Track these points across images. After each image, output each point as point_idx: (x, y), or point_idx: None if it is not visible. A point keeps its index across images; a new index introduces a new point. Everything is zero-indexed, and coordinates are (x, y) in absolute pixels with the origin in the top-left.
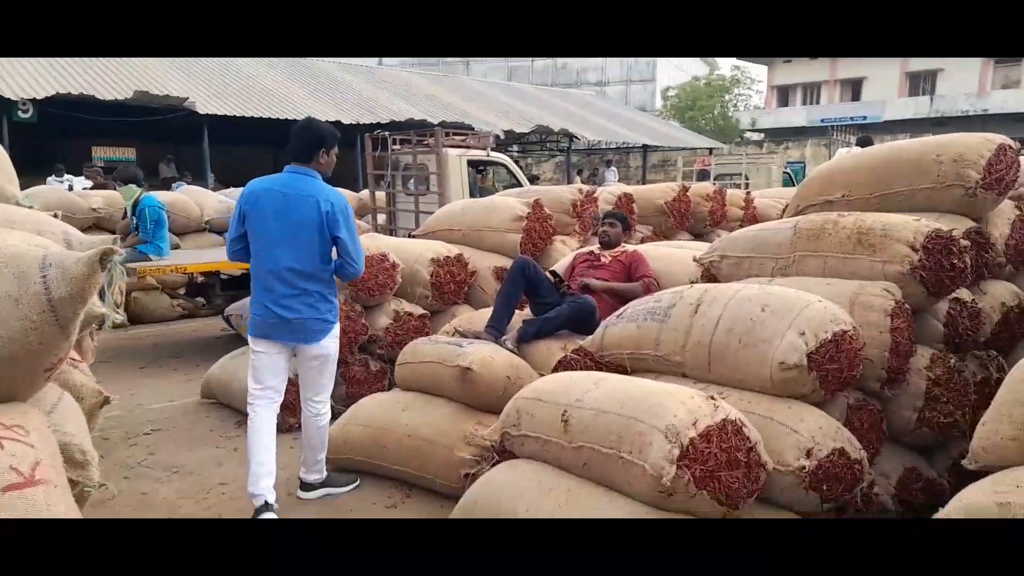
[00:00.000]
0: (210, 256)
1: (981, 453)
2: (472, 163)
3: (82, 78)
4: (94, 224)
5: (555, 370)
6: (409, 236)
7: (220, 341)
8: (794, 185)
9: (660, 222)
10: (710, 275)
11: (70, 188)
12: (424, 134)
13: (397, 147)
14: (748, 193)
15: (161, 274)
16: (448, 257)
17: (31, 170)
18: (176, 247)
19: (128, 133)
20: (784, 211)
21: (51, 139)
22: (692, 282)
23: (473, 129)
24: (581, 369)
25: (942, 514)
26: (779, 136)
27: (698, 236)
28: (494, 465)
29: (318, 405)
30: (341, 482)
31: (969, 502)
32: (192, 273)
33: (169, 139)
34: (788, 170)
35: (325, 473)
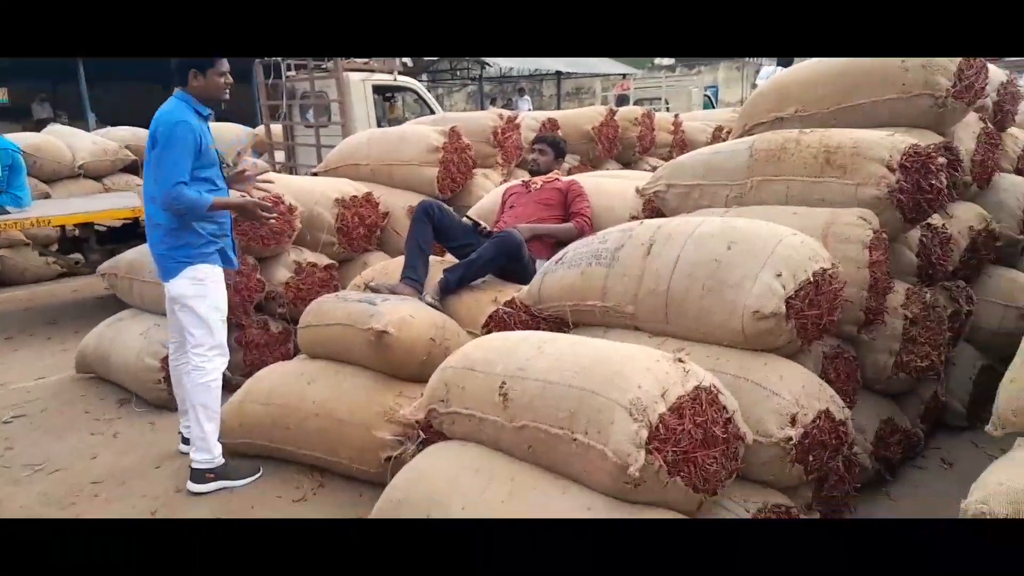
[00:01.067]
0: (83, 205)
1: (1011, 417)
2: (378, 89)
3: None
4: None
5: (487, 328)
6: (310, 175)
7: (103, 303)
8: (714, 108)
9: (587, 150)
10: (654, 208)
11: None
12: (320, 58)
13: (292, 73)
14: (676, 116)
15: (19, 228)
16: (355, 197)
17: None
18: (46, 196)
19: None
20: (715, 137)
21: None
22: (633, 219)
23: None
24: (516, 326)
25: (972, 508)
26: (691, 61)
27: (626, 165)
28: (420, 447)
29: (192, 357)
30: (239, 473)
31: (1014, 488)
32: (64, 226)
33: (46, 77)
34: (708, 93)
35: (218, 460)
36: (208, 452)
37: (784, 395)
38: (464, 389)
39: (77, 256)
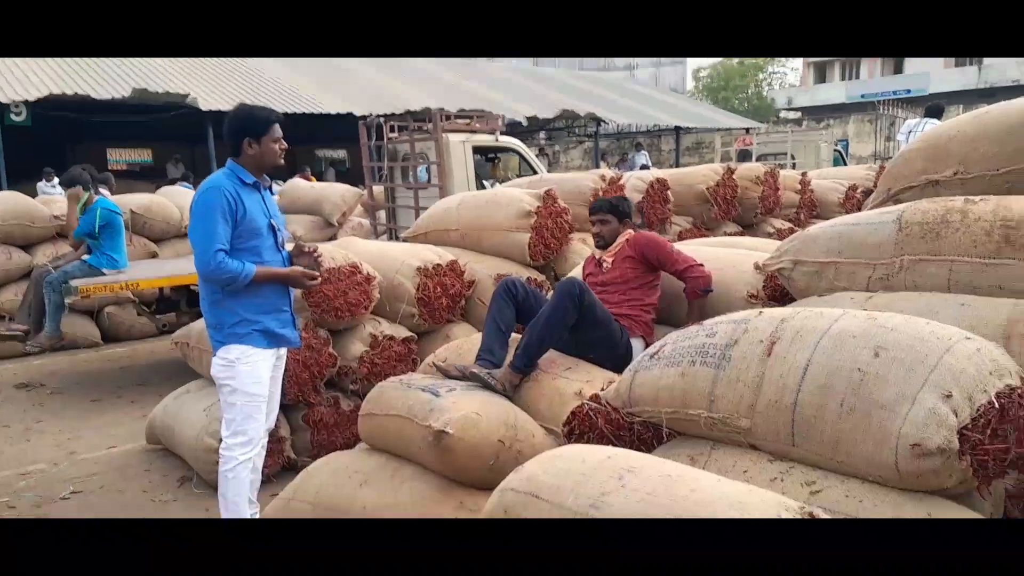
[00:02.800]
0: (174, 268)
1: None
2: (478, 150)
3: (77, 78)
4: (58, 233)
5: (568, 428)
6: (399, 239)
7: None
8: (845, 164)
9: (701, 211)
10: (777, 287)
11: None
12: (422, 119)
13: (394, 135)
14: (804, 174)
15: (108, 292)
16: (438, 265)
17: (32, 176)
18: (153, 255)
19: (144, 135)
20: (848, 197)
21: (57, 143)
22: (751, 298)
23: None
24: (605, 426)
25: None
26: (817, 114)
27: (747, 227)
28: None
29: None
30: None
31: None
32: (162, 288)
33: (182, 138)
34: (839, 147)
35: None
36: None
37: None
38: None
39: (169, 317)
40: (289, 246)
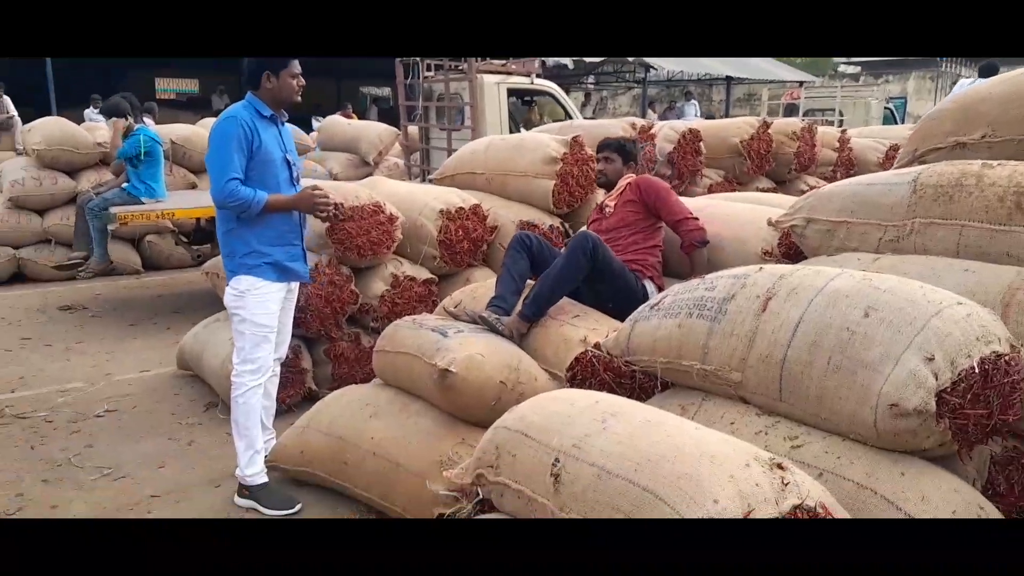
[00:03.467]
0: (206, 199)
1: None
2: (514, 92)
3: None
4: (101, 160)
5: (571, 373)
6: (428, 182)
7: None
8: (896, 123)
9: (734, 165)
10: (790, 245)
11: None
12: (459, 58)
13: (430, 74)
14: (843, 131)
15: (145, 220)
16: (461, 208)
17: (82, 102)
18: (192, 186)
19: (191, 65)
20: (888, 158)
21: (105, 69)
22: (765, 255)
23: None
24: (606, 373)
25: None
26: (878, 69)
27: (781, 183)
28: (477, 509)
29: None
30: (271, 501)
31: None
32: (199, 218)
33: (228, 70)
34: (890, 105)
35: (251, 478)
36: (242, 468)
37: None
38: (516, 458)
39: (204, 248)
40: (313, 182)
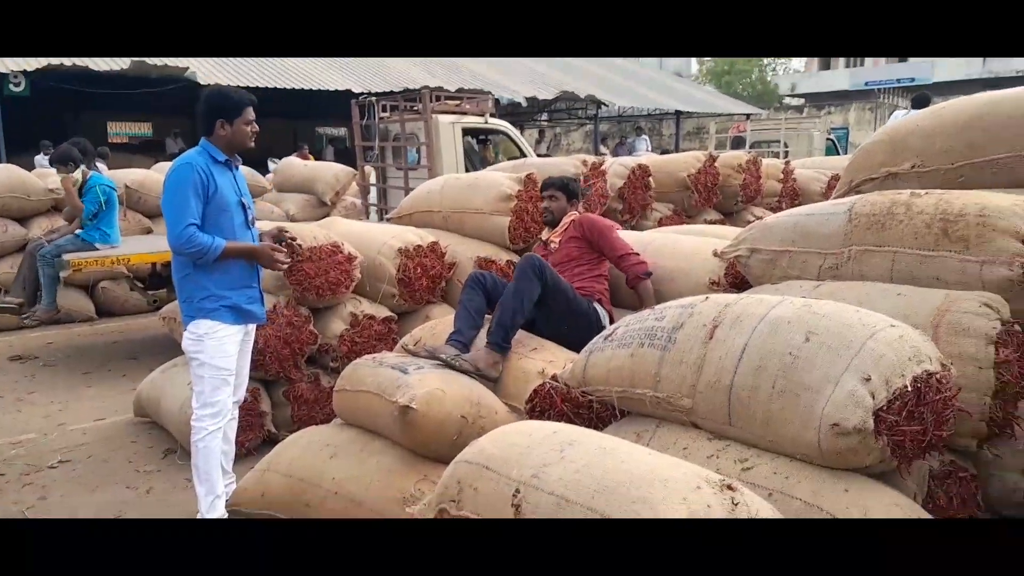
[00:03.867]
0: (166, 244)
1: None
2: (468, 131)
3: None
4: (53, 206)
5: (531, 405)
6: (385, 220)
7: None
8: (838, 153)
9: (683, 198)
10: (736, 275)
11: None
12: (414, 98)
13: (386, 114)
14: (787, 163)
15: (99, 266)
16: (419, 246)
17: (32, 147)
18: (148, 231)
19: (144, 108)
20: (830, 187)
21: (56, 114)
22: (712, 285)
23: (492, 95)
24: (563, 404)
25: None
26: (821, 101)
27: (728, 215)
28: None
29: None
30: None
31: None
32: (154, 263)
33: (181, 112)
34: (832, 136)
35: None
36: (203, 513)
37: None
38: (477, 491)
39: (160, 292)
40: (270, 226)
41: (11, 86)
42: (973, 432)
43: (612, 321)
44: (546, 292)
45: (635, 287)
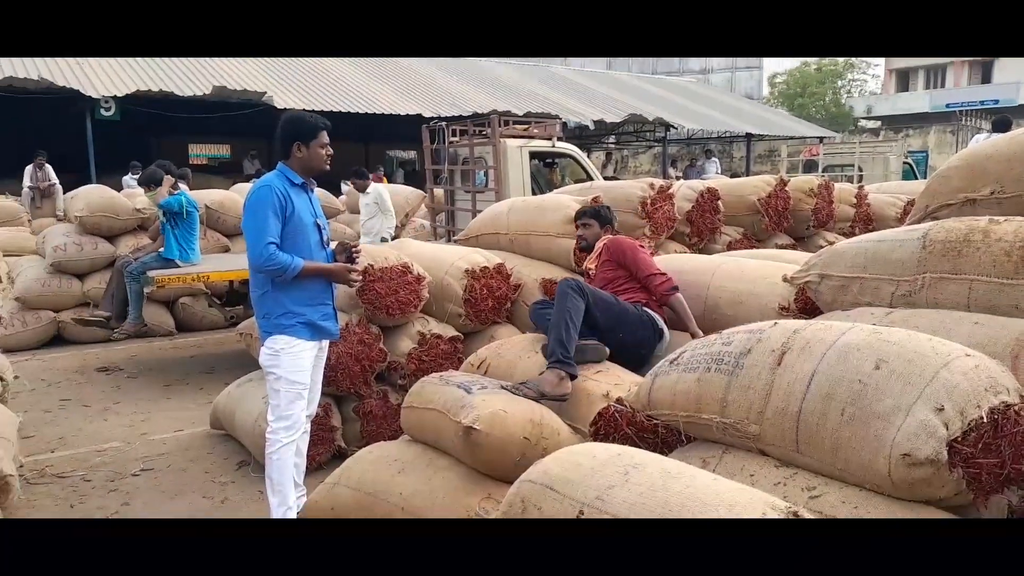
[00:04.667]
0: (243, 262)
1: None
2: (536, 155)
3: (163, 74)
4: (139, 225)
5: (594, 431)
6: (453, 241)
7: None
8: (916, 178)
9: (752, 222)
10: (806, 300)
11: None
12: (482, 123)
13: (455, 139)
14: (861, 187)
15: (181, 283)
16: (486, 267)
17: (120, 168)
18: (225, 249)
19: (223, 131)
20: (906, 212)
21: (142, 137)
22: (782, 310)
23: (560, 119)
24: (628, 427)
25: None
26: (898, 123)
27: (799, 240)
28: None
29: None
30: None
31: None
32: (232, 281)
33: (259, 135)
34: (909, 160)
35: None
36: None
37: None
38: (541, 511)
39: (237, 309)
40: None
41: (102, 110)
42: None
43: (667, 324)
44: (590, 306)
45: (667, 304)
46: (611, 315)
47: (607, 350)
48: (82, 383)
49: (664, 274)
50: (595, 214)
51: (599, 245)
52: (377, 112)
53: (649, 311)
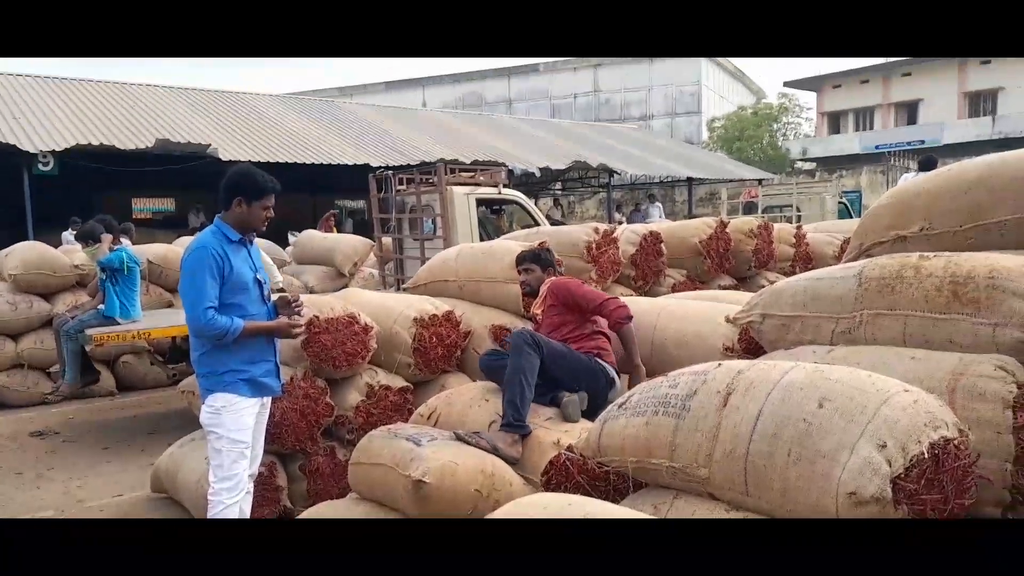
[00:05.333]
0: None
1: None
2: (482, 202)
3: (103, 127)
4: (78, 282)
5: (545, 481)
6: (402, 290)
7: None
8: (851, 216)
9: (695, 264)
10: (750, 340)
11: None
12: (429, 171)
13: (402, 187)
14: (799, 227)
15: (121, 340)
16: (435, 315)
17: (60, 224)
18: (169, 305)
19: (167, 184)
20: (843, 250)
21: (83, 192)
22: (727, 350)
23: (506, 166)
24: (579, 475)
25: None
26: (832, 164)
27: (742, 280)
28: None
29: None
30: None
31: None
32: (174, 337)
33: (203, 188)
34: (844, 200)
35: None
36: None
37: None
38: None
39: (180, 366)
40: (275, 297)
41: (40, 165)
42: (996, 501)
43: (617, 373)
44: (545, 360)
45: (618, 331)
46: (566, 367)
47: (585, 395)
48: (15, 449)
49: (617, 299)
50: (535, 258)
51: (543, 289)
52: (324, 162)
53: (600, 360)
